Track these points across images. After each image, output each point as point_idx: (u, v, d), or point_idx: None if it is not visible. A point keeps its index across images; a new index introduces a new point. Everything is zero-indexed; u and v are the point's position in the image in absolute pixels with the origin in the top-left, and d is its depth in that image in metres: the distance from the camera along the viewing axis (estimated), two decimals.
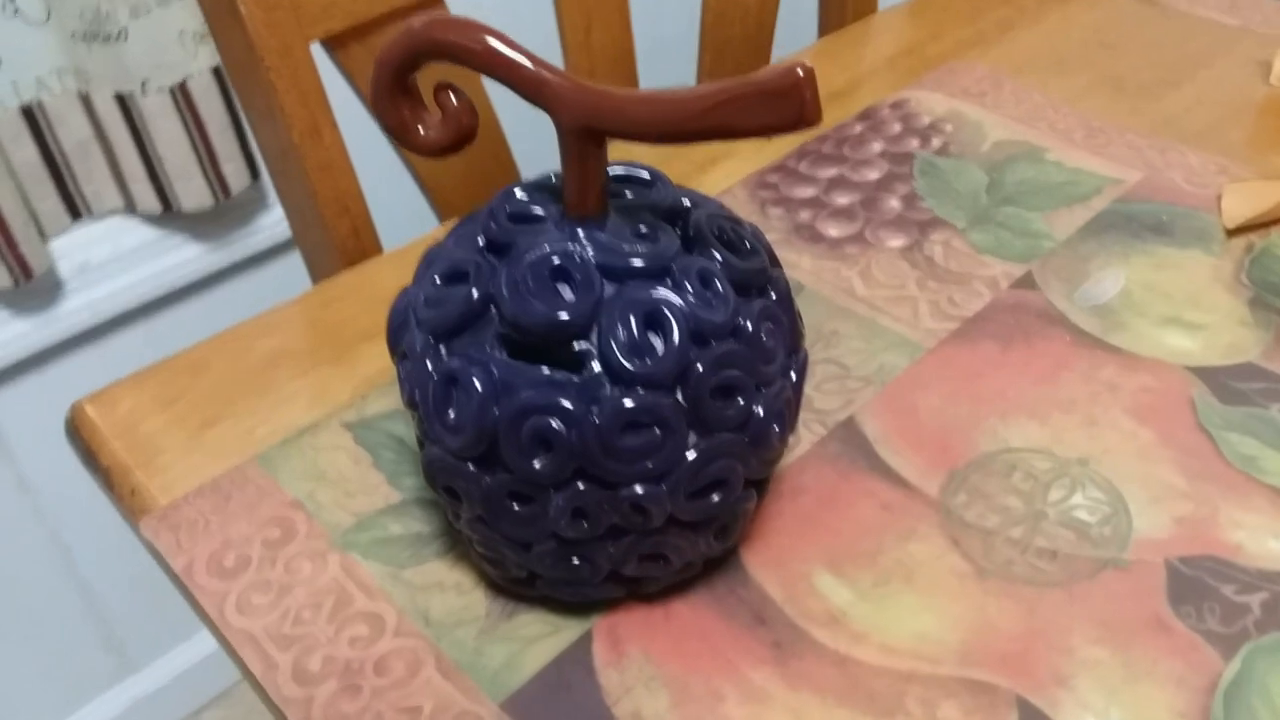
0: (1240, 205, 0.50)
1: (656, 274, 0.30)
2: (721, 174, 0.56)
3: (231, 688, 1.25)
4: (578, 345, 0.29)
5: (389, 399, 0.42)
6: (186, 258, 1.00)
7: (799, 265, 0.48)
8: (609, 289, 0.29)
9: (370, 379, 0.44)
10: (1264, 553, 0.34)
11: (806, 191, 0.53)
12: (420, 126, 0.31)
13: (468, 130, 0.31)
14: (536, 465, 0.29)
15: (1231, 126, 0.57)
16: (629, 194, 0.33)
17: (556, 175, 0.34)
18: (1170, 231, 0.49)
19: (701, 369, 0.29)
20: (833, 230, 0.50)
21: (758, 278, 0.32)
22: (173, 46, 0.87)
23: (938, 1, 0.73)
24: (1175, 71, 0.63)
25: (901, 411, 0.40)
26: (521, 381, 0.29)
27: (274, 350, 0.46)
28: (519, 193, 0.32)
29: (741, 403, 0.30)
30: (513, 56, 0.28)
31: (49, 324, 0.92)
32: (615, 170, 0.33)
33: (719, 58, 0.71)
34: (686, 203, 0.33)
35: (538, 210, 0.31)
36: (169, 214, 0.96)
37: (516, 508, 0.30)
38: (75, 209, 0.92)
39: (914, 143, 0.56)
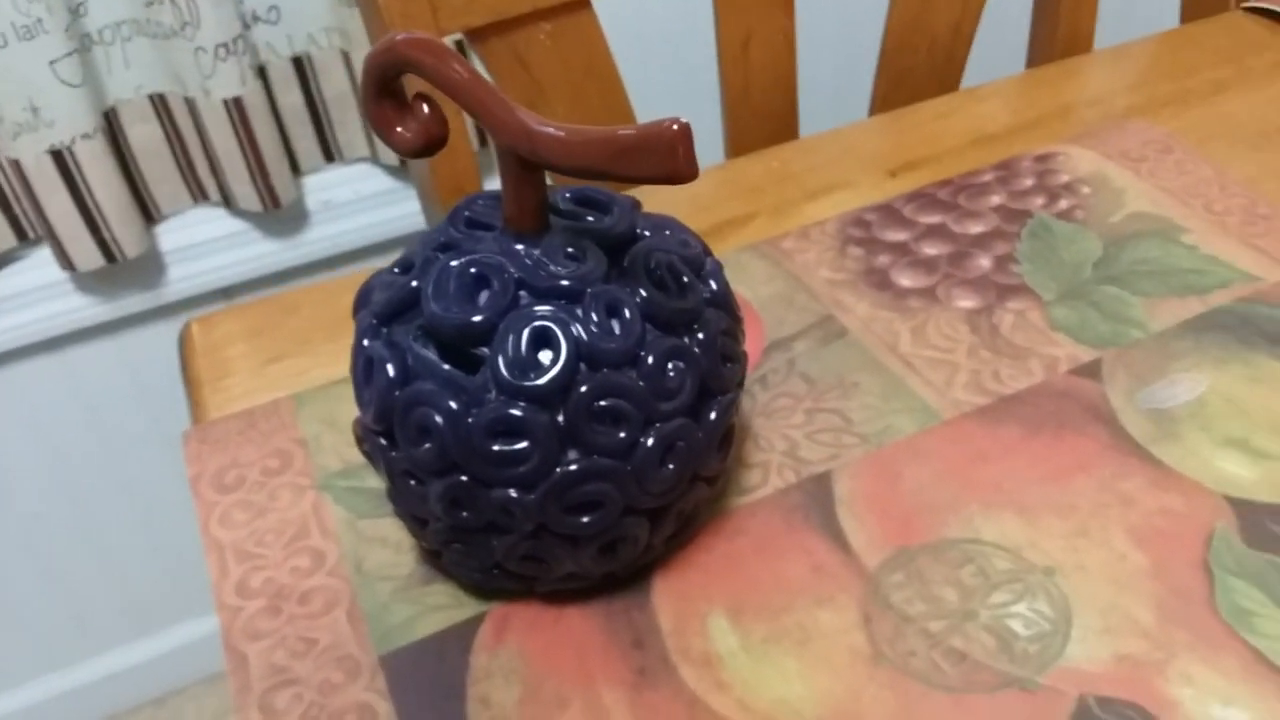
0: None
1: (569, 296, 0.31)
2: (828, 205, 0.55)
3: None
4: (479, 351, 0.31)
5: None
6: (415, 209, 1.10)
7: (854, 310, 0.47)
8: (520, 303, 0.31)
9: None
10: (1205, 716, 0.31)
11: (898, 235, 0.51)
12: (400, 127, 0.34)
13: (436, 138, 0.33)
14: (421, 450, 0.31)
15: None
16: (589, 218, 0.34)
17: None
18: (1169, 270, 0.43)
19: (584, 391, 0.30)
20: (905, 280, 0.48)
21: (681, 316, 0.32)
22: None
23: (1151, 50, 0.67)
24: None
25: (882, 477, 0.39)
26: (423, 373, 0.31)
27: (349, 307, 0.51)
28: (480, 201, 0.34)
29: (623, 433, 0.31)
30: (466, 82, 0.30)
31: (292, 249, 1.05)
32: (583, 193, 0.35)
33: (896, 87, 0.69)
34: (641, 234, 0.34)
35: (490, 220, 0.34)
36: (406, 169, 1.06)
37: (412, 484, 0.33)
38: (330, 153, 1.03)
39: (1039, 201, 0.52)
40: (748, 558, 0.36)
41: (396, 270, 0.34)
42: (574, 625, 0.35)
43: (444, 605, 0.36)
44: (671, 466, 0.32)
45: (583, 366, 0.30)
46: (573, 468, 0.31)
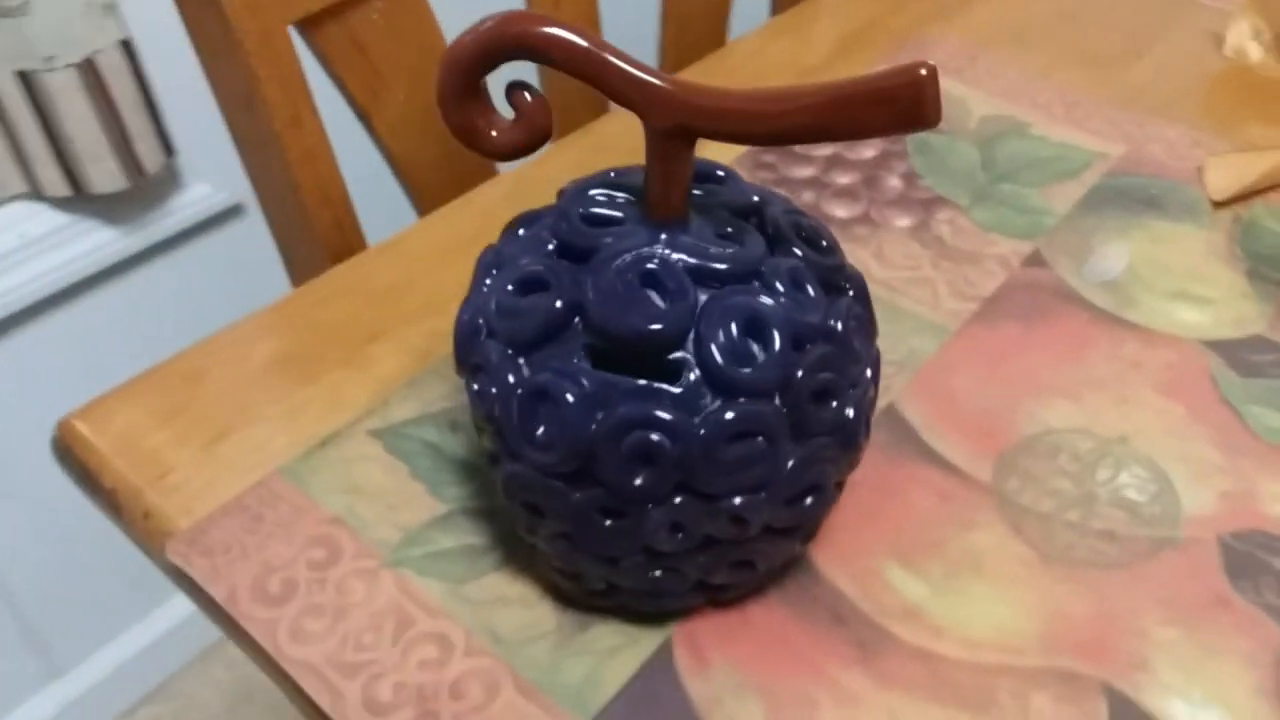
0: (1224, 178, 0.51)
1: (746, 277, 0.29)
2: (714, 152, 0.55)
3: (165, 682, 1.20)
4: (674, 355, 0.28)
5: (414, 403, 0.40)
6: (99, 243, 0.94)
7: None
8: (702, 295, 0.28)
9: (387, 381, 0.42)
10: None
11: (806, 171, 0.52)
12: (490, 129, 0.29)
13: (543, 130, 0.29)
14: (637, 482, 0.28)
15: (1194, 98, 0.58)
16: (699, 192, 0.32)
17: (619, 173, 0.32)
18: (1162, 205, 0.50)
19: (801, 374, 0.28)
20: (839, 211, 0.50)
21: (838, 274, 0.31)
22: (77, 20, 0.81)
23: None
24: (1135, 43, 0.64)
25: (939, 397, 0.40)
26: (617, 395, 0.28)
27: (276, 354, 0.43)
28: (594, 193, 0.31)
29: (835, 406, 0.29)
30: (607, 58, 0.27)
31: None
32: None
33: (682, 30, 0.69)
34: (758, 199, 0.32)
35: (615, 213, 0.30)
36: (79, 197, 0.90)
37: (608, 523, 0.29)
38: None
39: None
40: (879, 505, 0.36)
41: (512, 290, 0.30)
42: (765, 623, 0.33)
43: (620, 646, 0.32)
44: (865, 430, 0.31)
45: (791, 345, 0.28)
46: (796, 457, 0.29)
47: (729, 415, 0.27)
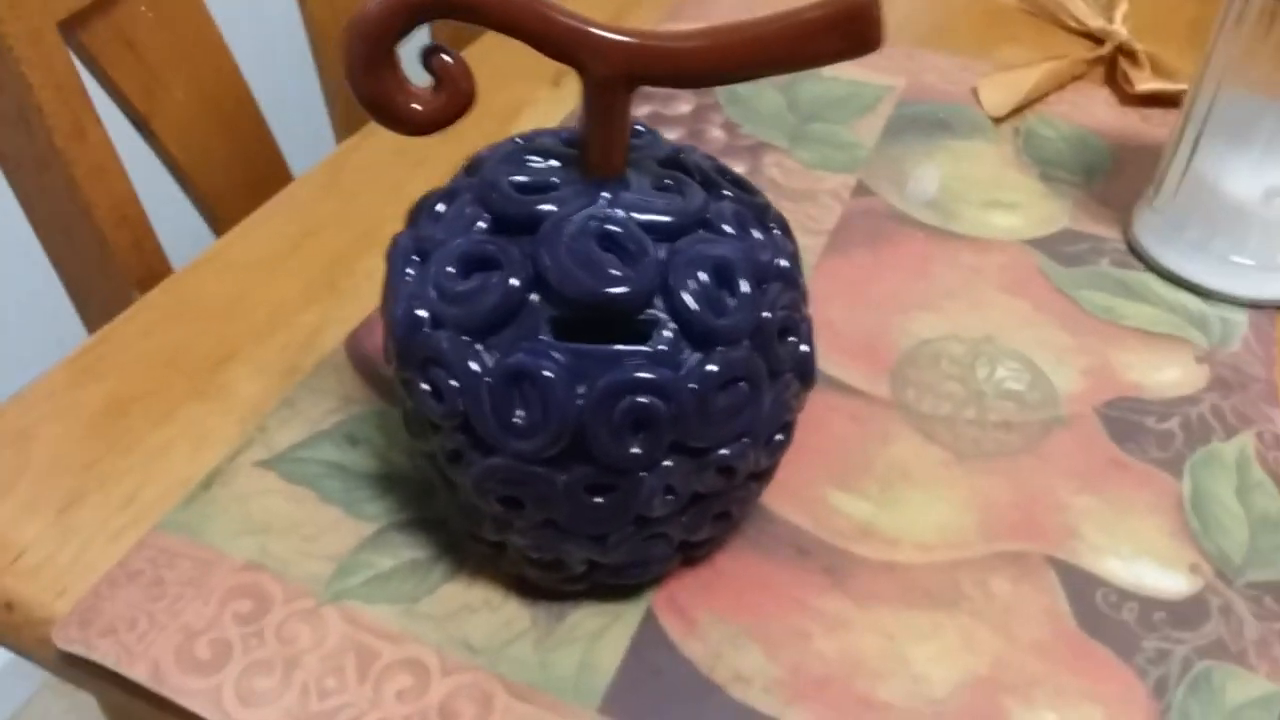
0: (997, 97, 0.56)
1: (694, 226, 0.28)
2: (528, 123, 0.53)
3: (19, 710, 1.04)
4: (644, 315, 0.27)
5: (297, 424, 0.36)
6: None
7: None
8: (660, 250, 0.27)
9: (253, 406, 0.37)
10: (1157, 384, 0.40)
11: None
12: (410, 101, 0.26)
13: (468, 96, 0.27)
14: (633, 450, 0.27)
15: (951, 29, 0.64)
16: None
17: (529, 137, 0.30)
18: (951, 126, 0.54)
19: (767, 315, 0.28)
20: None
21: (767, 213, 0.31)
22: None
23: None
24: None
25: (821, 328, 0.42)
26: (597, 364, 0.26)
27: (109, 398, 0.38)
28: (523, 159, 0.29)
29: (793, 341, 0.29)
30: (543, 8, 0.25)
31: None
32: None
33: None
34: (675, 149, 0.31)
35: (549, 177, 0.28)
36: None
37: (597, 500, 0.28)
38: None
39: None
40: (803, 438, 0.37)
41: (454, 273, 0.27)
42: (735, 571, 0.33)
43: (603, 625, 0.31)
44: (814, 362, 0.31)
45: (760, 287, 0.28)
46: (771, 397, 0.29)
47: (711, 367, 0.27)
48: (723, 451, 0.28)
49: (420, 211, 0.30)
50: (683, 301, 0.27)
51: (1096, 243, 0.47)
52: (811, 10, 0.25)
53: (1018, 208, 0.49)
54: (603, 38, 0.25)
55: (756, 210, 0.30)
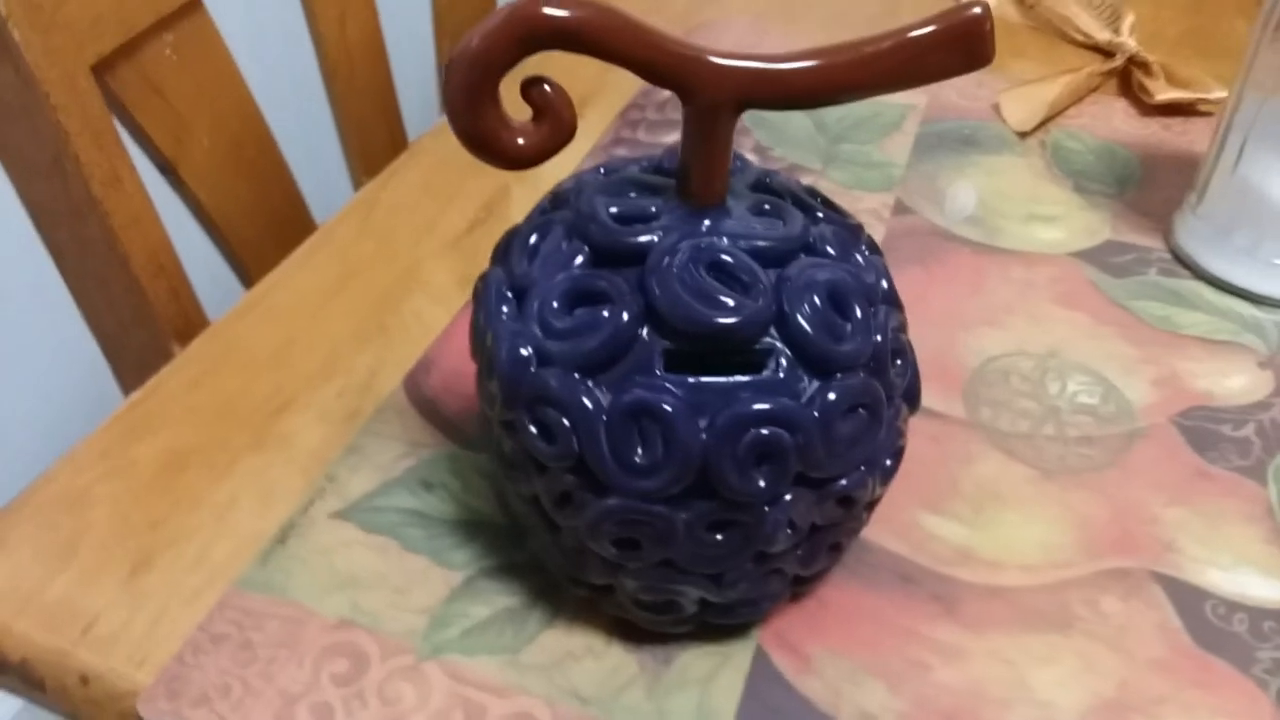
0: (1020, 111, 0.56)
1: (798, 252, 0.27)
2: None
3: None
4: (760, 343, 0.26)
5: (367, 472, 0.35)
6: None
7: None
8: (770, 277, 0.27)
9: (316, 455, 0.36)
10: (1227, 392, 0.40)
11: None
12: (514, 135, 0.25)
13: (570, 126, 0.26)
14: (761, 484, 0.26)
15: None
16: None
17: (612, 167, 0.30)
18: (978, 142, 0.54)
19: (880, 339, 0.27)
20: None
21: (861, 233, 0.30)
22: None
23: None
24: (885, 4, 0.69)
25: None
26: (718, 397, 0.25)
27: (164, 454, 0.36)
28: (619, 188, 0.28)
29: (901, 365, 0.29)
30: (654, 34, 0.24)
31: None
32: (657, 158, 0.30)
33: (458, 39, 0.66)
34: (763, 172, 0.30)
35: (646, 205, 0.28)
36: None
37: (718, 537, 0.27)
38: None
39: None
40: None
41: (559, 309, 0.26)
42: (842, 603, 0.32)
43: (714, 667, 0.30)
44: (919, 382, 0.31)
45: (871, 309, 0.27)
46: (887, 423, 0.28)
47: (832, 395, 0.26)
48: (843, 482, 0.27)
49: (510, 248, 0.29)
50: (800, 328, 0.26)
51: (1142, 253, 0.47)
52: (923, 27, 0.25)
53: (1058, 220, 0.49)
54: (714, 64, 0.25)
55: (852, 232, 0.30)
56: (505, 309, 0.28)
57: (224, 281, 0.48)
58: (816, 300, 0.26)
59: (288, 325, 0.41)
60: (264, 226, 0.50)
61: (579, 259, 0.27)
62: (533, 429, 0.27)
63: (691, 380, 0.26)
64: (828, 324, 0.26)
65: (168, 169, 0.44)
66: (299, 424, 0.37)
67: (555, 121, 0.26)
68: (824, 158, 0.52)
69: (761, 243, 0.27)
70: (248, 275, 0.50)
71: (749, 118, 0.55)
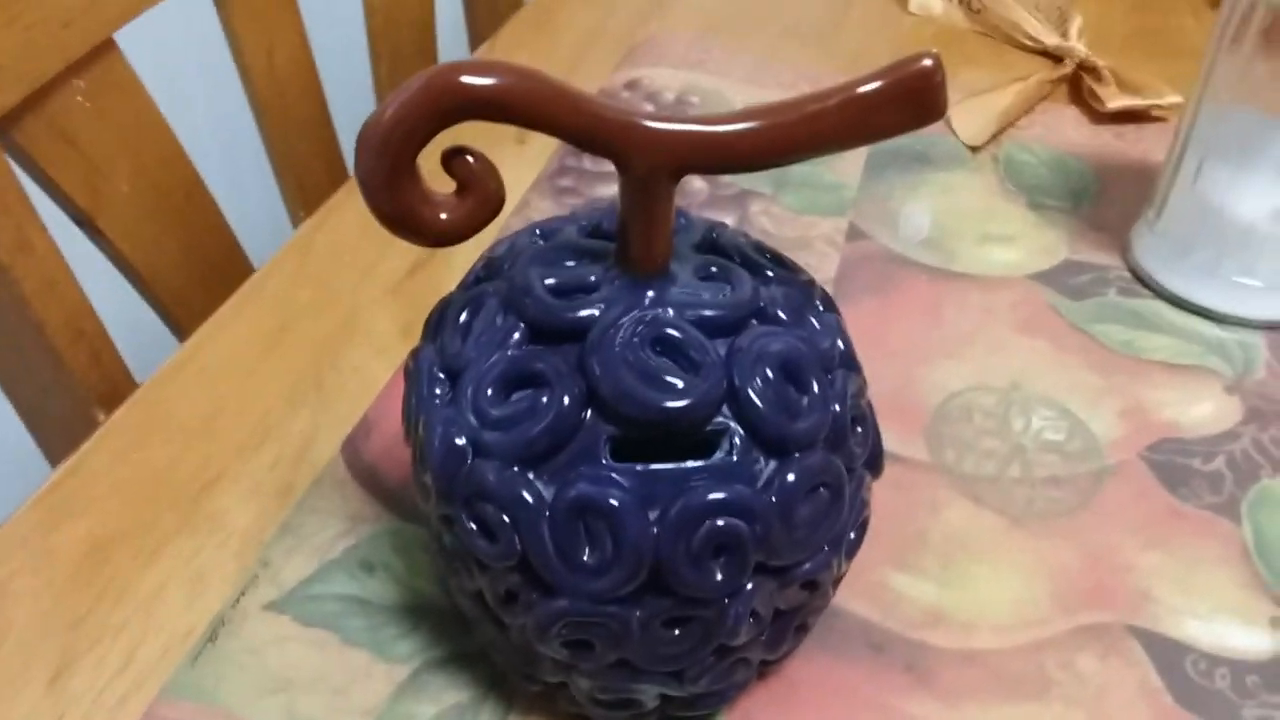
0: (973, 124, 0.55)
1: (748, 319, 0.26)
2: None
3: None
4: (713, 423, 0.24)
5: (303, 554, 0.33)
6: None
7: None
8: (719, 350, 0.25)
9: (249, 536, 0.34)
10: (1194, 422, 0.39)
11: (610, 188, 0.49)
12: (436, 211, 0.23)
13: (497, 198, 0.24)
14: (717, 578, 0.24)
15: (900, 54, 0.62)
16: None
17: (548, 230, 0.28)
18: (930, 159, 0.53)
19: (838, 408, 0.26)
20: None
21: (814, 291, 0.29)
22: None
23: None
24: (831, 14, 0.67)
25: None
26: (668, 487, 0.24)
27: (89, 539, 0.34)
28: (552, 258, 0.26)
29: (861, 432, 0.27)
30: (586, 101, 0.22)
31: None
32: (597, 218, 0.28)
33: (396, 62, 0.64)
34: (708, 228, 0.29)
35: (585, 276, 0.26)
36: None
37: (675, 633, 0.25)
38: None
39: None
40: None
41: (493, 394, 0.25)
42: (810, 679, 0.30)
43: None
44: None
45: (828, 378, 0.26)
46: (848, 498, 0.26)
47: (792, 476, 0.24)
48: (807, 566, 0.26)
49: (441, 324, 0.27)
50: (753, 406, 0.24)
51: (1100, 272, 0.46)
52: (868, 83, 0.23)
53: (1014, 240, 0.48)
54: (650, 130, 0.23)
55: (804, 291, 0.28)
56: (438, 391, 0.26)
57: (154, 337, 0.46)
58: (769, 373, 0.25)
59: (218, 387, 0.39)
60: (194, 275, 0.47)
61: (515, 335, 0.25)
62: (471, 525, 0.25)
63: (639, 469, 0.24)
64: (782, 400, 0.24)
65: (84, 222, 0.41)
66: (229, 501, 0.35)
67: (481, 195, 0.24)
68: (775, 182, 0.50)
69: (709, 312, 0.25)
70: (179, 328, 0.47)
71: None
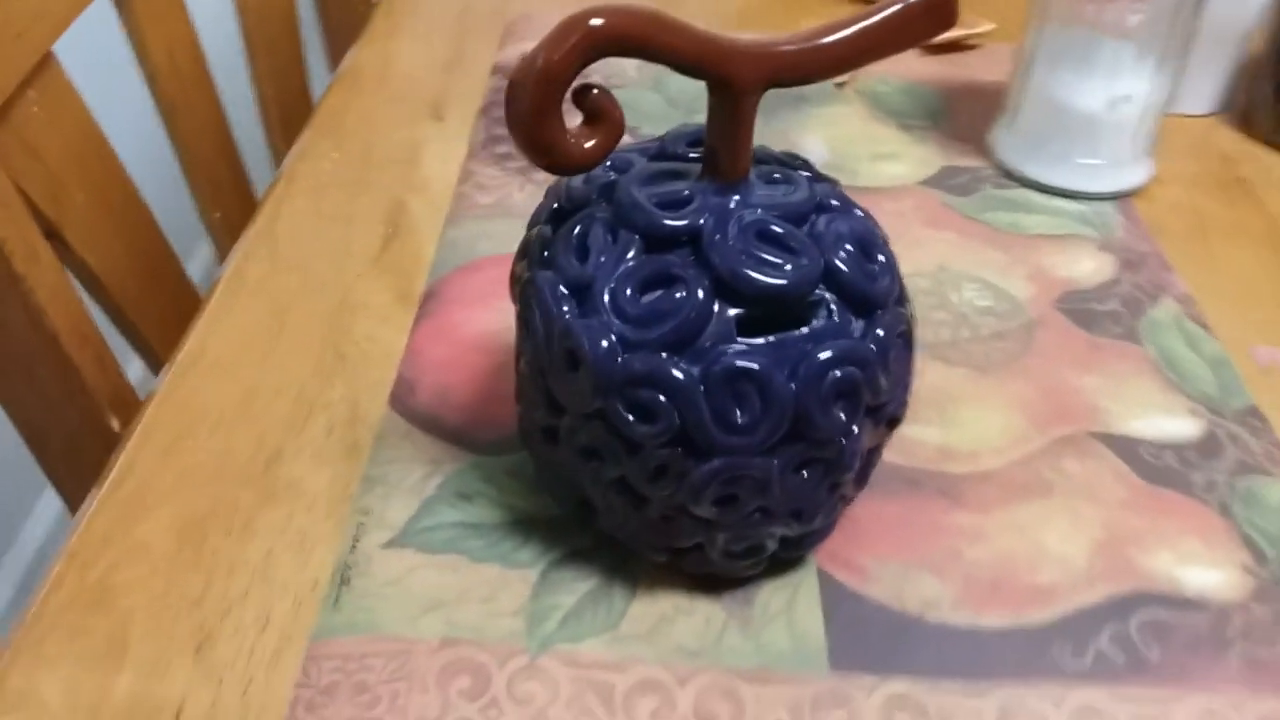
0: None
1: (814, 210, 0.31)
2: (434, 160, 0.53)
3: None
4: (814, 296, 0.29)
5: (398, 497, 0.35)
6: None
7: None
8: (805, 234, 0.30)
9: (334, 495, 0.36)
10: (1084, 275, 0.47)
11: None
12: (574, 139, 0.27)
13: (621, 125, 0.28)
14: (842, 417, 0.29)
15: (747, 12, 0.69)
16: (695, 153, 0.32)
17: (620, 161, 0.32)
18: (809, 98, 0.60)
19: (894, 277, 0.31)
20: None
21: (837, 186, 0.34)
22: None
23: None
24: None
25: None
26: (795, 350, 0.28)
27: (176, 527, 0.34)
28: (651, 178, 0.30)
29: (904, 302, 0.33)
30: (697, 32, 0.27)
31: None
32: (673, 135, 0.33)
33: (272, 53, 0.64)
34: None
35: (682, 191, 0.30)
36: None
37: (804, 474, 0.30)
38: None
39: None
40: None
41: (632, 295, 0.28)
42: (865, 516, 0.36)
43: (789, 597, 0.33)
44: None
45: (888, 248, 0.31)
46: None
47: (880, 330, 0.30)
48: (891, 405, 0.31)
49: (548, 250, 0.30)
50: (844, 275, 0.29)
51: (973, 173, 0.54)
52: (901, 6, 0.28)
53: (898, 157, 0.55)
54: (753, 49, 0.27)
55: (833, 186, 0.33)
56: (567, 308, 0.29)
57: (116, 347, 0.45)
58: (850, 248, 0.30)
59: (239, 375, 0.40)
60: (149, 287, 0.47)
61: (632, 248, 0.29)
62: (627, 414, 0.28)
63: (768, 340, 0.28)
64: (862, 268, 0.30)
65: (52, 234, 0.40)
66: (300, 469, 0.37)
67: (610, 123, 0.27)
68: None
69: (789, 207, 0.30)
70: (139, 338, 0.47)
71: None
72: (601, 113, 0.27)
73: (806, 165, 0.33)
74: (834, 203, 0.31)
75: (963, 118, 0.58)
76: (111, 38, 0.50)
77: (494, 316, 0.43)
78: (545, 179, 0.51)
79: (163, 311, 0.48)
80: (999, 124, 0.55)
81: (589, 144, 0.27)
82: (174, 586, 0.33)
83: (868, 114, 0.58)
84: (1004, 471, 0.38)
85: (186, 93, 0.53)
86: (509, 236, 0.47)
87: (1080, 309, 0.45)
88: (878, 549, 0.35)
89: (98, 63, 0.56)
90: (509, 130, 0.27)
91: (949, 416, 0.40)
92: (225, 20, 0.62)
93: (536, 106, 0.26)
